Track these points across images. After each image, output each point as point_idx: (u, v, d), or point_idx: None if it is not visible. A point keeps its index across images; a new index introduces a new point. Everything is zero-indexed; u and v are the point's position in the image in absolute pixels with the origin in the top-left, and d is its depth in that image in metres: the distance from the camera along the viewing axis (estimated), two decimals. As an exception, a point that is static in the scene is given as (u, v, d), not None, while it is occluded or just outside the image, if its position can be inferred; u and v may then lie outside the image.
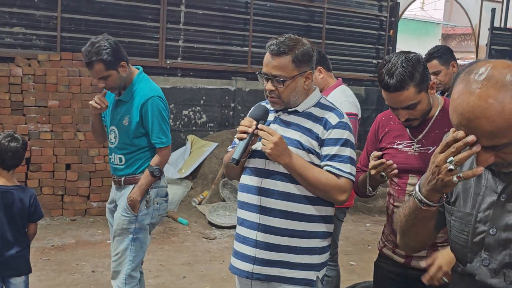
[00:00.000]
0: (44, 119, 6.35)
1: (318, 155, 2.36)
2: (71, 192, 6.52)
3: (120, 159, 3.42)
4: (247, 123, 2.30)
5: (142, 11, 7.65)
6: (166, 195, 3.53)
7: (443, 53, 3.87)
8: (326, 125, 2.36)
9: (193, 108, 8.18)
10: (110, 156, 3.50)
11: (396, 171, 2.31)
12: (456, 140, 1.42)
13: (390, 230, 2.53)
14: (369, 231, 7.04)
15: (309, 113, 2.40)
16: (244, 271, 2.42)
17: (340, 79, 3.88)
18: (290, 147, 2.31)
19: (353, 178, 2.39)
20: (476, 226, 1.56)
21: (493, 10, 11.85)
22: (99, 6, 7.32)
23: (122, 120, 3.37)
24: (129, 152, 3.40)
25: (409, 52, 2.34)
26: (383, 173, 2.31)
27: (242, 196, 2.46)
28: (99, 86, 3.32)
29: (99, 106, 3.33)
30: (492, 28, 11.78)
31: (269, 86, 2.34)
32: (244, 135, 2.28)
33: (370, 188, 2.48)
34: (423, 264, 2.36)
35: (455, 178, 1.44)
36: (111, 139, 3.47)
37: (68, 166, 6.50)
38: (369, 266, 3.91)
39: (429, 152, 2.35)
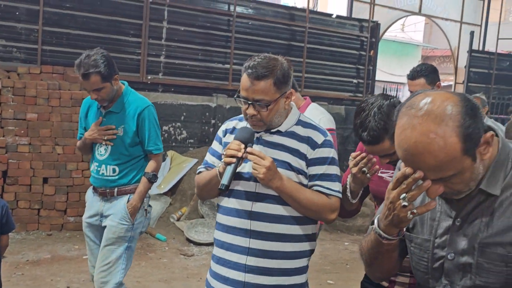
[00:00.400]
0: (22, 132, 6.29)
1: (305, 175, 2.34)
2: (47, 206, 6.43)
3: (114, 170, 3.45)
4: (236, 146, 2.22)
5: (124, 26, 7.66)
6: (150, 205, 3.63)
7: (430, 72, 3.87)
8: (312, 144, 2.34)
9: (174, 124, 8.17)
10: (98, 169, 3.49)
11: (377, 166, 2.28)
12: (406, 177, 1.43)
13: None
14: (348, 250, 7.05)
15: (292, 132, 2.36)
16: None
17: (308, 97, 3.91)
18: (279, 169, 2.26)
19: (340, 195, 2.38)
20: (435, 252, 1.58)
21: (472, 33, 12.10)
22: (81, 20, 7.32)
23: (113, 138, 3.44)
24: (123, 162, 3.45)
25: (384, 98, 2.24)
26: (365, 169, 2.27)
27: (229, 220, 2.36)
28: (92, 97, 3.38)
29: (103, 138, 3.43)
30: (471, 50, 12.02)
31: (250, 111, 2.26)
32: (233, 160, 2.21)
33: (350, 195, 2.42)
34: None
35: (409, 214, 1.45)
36: (100, 152, 3.48)
37: (45, 180, 6.43)
38: (347, 285, 3.93)
39: None
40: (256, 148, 2.32)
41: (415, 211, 1.45)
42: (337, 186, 2.36)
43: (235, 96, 2.33)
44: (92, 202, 3.56)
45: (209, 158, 2.52)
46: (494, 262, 1.46)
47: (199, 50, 8.30)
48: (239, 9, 8.58)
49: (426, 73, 3.85)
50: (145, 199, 3.49)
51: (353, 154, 2.34)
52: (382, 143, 2.19)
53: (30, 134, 6.33)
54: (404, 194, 1.44)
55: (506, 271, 1.45)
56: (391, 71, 18.61)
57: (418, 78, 3.82)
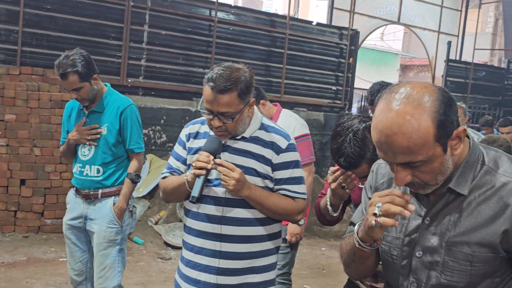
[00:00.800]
0: (0, 133, 6.24)
1: (271, 179, 2.40)
2: (24, 208, 6.39)
3: (98, 170, 3.44)
4: (205, 158, 2.25)
5: (106, 29, 7.64)
6: (134, 206, 3.63)
7: None
8: (276, 149, 2.39)
9: (153, 128, 8.17)
10: (82, 169, 3.48)
11: (355, 182, 2.30)
12: (396, 194, 1.48)
13: None
14: (325, 255, 7.11)
15: (256, 137, 2.40)
16: None
17: (278, 103, 3.97)
18: (247, 176, 2.31)
19: (305, 197, 2.46)
20: (404, 250, 1.63)
21: (449, 43, 12.30)
22: (62, 22, 7.29)
23: (97, 138, 3.43)
24: (107, 162, 3.44)
25: (360, 121, 2.23)
26: (344, 184, 2.29)
27: (199, 225, 2.42)
28: (72, 97, 3.40)
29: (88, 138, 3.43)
30: (448, 60, 12.22)
31: (216, 123, 2.28)
32: (203, 172, 2.24)
33: (330, 208, 2.45)
34: None
35: (373, 222, 1.48)
36: (84, 152, 3.47)
37: (22, 182, 6.38)
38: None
39: None
40: (223, 155, 2.36)
41: (379, 220, 1.47)
42: (302, 188, 2.44)
43: (199, 108, 2.34)
44: (75, 204, 3.54)
45: (173, 162, 2.55)
46: (459, 261, 1.51)
47: (180, 54, 8.32)
48: (220, 14, 8.62)
49: None
50: (130, 200, 3.49)
51: (332, 169, 2.36)
52: (360, 167, 2.21)
53: (8, 135, 6.29)
54: (380, 203, 1.48)
55: (470, 270, 1.50)
56: (370, 79, 18.75)
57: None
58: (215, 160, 2.27)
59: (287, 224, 3.68)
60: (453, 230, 1.53)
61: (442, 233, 1.54)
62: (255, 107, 2.46)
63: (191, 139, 2.50)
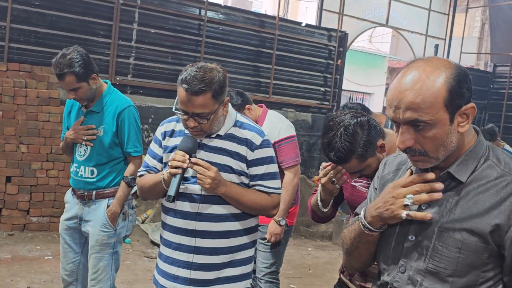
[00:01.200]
0: (-14, 129, 6.20)
1: (246, 175, 2.46)
2: (10, 206, 6.34)
3: (92, 172, 3.39)
4: (180, 158, 2.29)
5: (94, 26, 7.61)
6: (134, 206, 3.58)
7: None
8: (250, 146, 2.44)
9: (141, 126, 8.12)
10: (77, 170, 3.43)
11: (345, 177, 2.32)
12: (423, 181, 1.55)
13: None
14: (311, 255, 7.14)
15: (231, 134, 2.45)
16: None
17: (263, 105, 3.98)
18: (222, 173, 2.36)
19: (280, 191, 2.54)
20: (399, 233, 1.66)
21: (436, 46, 12.39)
22: (50, 19, 7.25)
23: (94, 139, 3.37)
24: (102, 164, 3.38)
25: (352, 116, 2.23)
26: (334, 179, 2.31)
27: (176, 222, 2.46)
28: (69, 97, 3.33)
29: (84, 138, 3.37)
30: (435, 63, 12.27)
31: (191, 123, 2.31)
32: (178, 171, 2.28)
33: (320, 203, 2.47)
34: None
35: (403, 214, 1.55)
36: (80, 152, 3.43)
37: (8, 179, 6.34)
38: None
39: None
40: (199, 153, 2.40)
41: (410, 213, 1.55)
42: (277, 183, 2.51)
43: (174, 108, 2.36)
44: (71, 205, 3.50)
45: (149, 161, 2.58)
46: (449, 247, 1.54)
47: (169, 53, 8.31)
48: (210, 14, 8.63)
49: None
50: (126, 202, 3.43)
51: (323, 164, 2.39)
52: (349, 162, 2.23)
53: (-6, 132, 6.25)
54: (411, 195, 1.55)
55: (458, 257, 1.53)
56: (358, 81, 18.86)
57: None
58: (190, 159, 2.31)
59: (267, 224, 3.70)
60: (447, 217, 1.56)
61: (437, 219, 1.57)
62: (230, 105, 2.50)
63: (167, 138, 2.53)
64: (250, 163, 2.44)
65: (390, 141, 2.35)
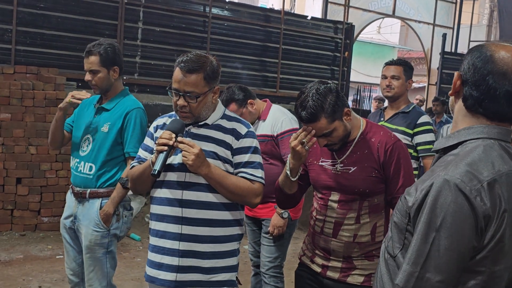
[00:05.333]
0: (-5, 132, 6.27)
1: (231, 164, 2.52)
2: (21, 207, 6.41)
3: (91, 168, 3.38)
4: (167, 135, 2.37)
5: (100, 26, 7.66)
6: (131, 208, 3.57)
7: (409, 68, 4.01)
8: (236, 135, 2.53)
9: (149, 124, 8.16)
10: (78, 165, 3.43)
11: (314, 139, 2.39)
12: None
13: (310, 240, 2.65)
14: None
15: (218, 125, 2.55)
16: (168, 280, 2.50)
17: (267, 99, 3.99)
18: (208, 159, 2.43)
19: (263, 182, 2.56)
20: None
21: (444, 36, 12.31)
22: (56, 20, 7.30)
23: (100, 127, 3.38)
24: (102, 161, 3.38)
25: (321, 83, 2.42)
26: (304, 140, 2.38)
27: (162, 209, 2.52)
28: (86, 78, 3.39)
29: (79, 99, 3.35)
30: (443, 52, 12.22)
31: (181, 102, 2.44)
32: (165, 148, 2.35)
33: (289, 172, 2.50)
34: (336, 275, 2.51)
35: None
36: (82, 147, 3.43)
37: (19, 180, 6.40)
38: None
39: (350, 172, 2.47)
40: (186, 140, 2.46)
41: None
42: (260, 172, 2.55)
43: (167, 88, 2.52)
44: (70, 203, 3.52)
45: (141, 153, 2.67)
46: None
47: (175, 51, 8.33)
48: (214, 10, 8.64)
49: (407, 67, 3.99)
50: (121, 204, 3.41)
51: (294, 135, 2.47)
52: (319, 121, 2.35)
53: (3, 134, 6.30)
54: None
55: None
56: (367, 72, 18.81)
57: (397, 65, 3.95)
58: (176, 138, 2.39)
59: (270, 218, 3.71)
60: None
61: None
62: (219, 100, 2.59)
63: (159, 130, 2.64)
64: (235, 151, 2.51)
65: None
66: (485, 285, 1.46)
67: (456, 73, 1.55)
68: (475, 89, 1.51)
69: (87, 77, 3.37)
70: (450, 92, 1.59)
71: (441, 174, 1.45)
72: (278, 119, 3.70)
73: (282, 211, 3.63)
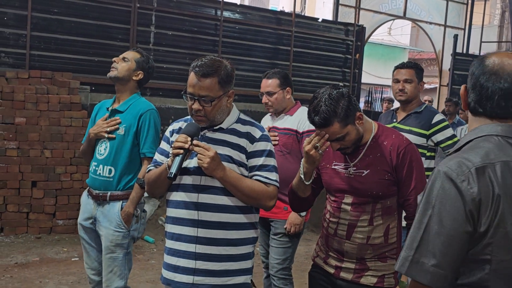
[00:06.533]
0: (10, 136, 6.33)
1: (246, 167, 2.54)
2: (36, 210, 6.48)
3: (110, 171, 3.43)
4: (183, 139, 2.40)
5: (112, 30, 7.73)
6: (145, 210, 3.63)
7: (420, 70, 4.05)
8: (250, 139, 2.54)
9: (162, 127, 8.21)
10: (96, 168, 3.48)
11: (328, 143, 2.42)
12: None
13: (324, 242, 2.68)
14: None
15: (233, 129, 2.57)
16: (184, 283, 2.52)
17: (299, 101, 4.03)
18: (223, 162, 2.45)
19: (278, 185, 2.57)
20: None
21: (455, 37, 12.27)
22: (69, 25, 7.38)
23: (116, 130, 3.43)
24: (120, 164, 3.43)
25: (334, 88, 2.44)
26: (318, 144, 2.41)
27: (178, 212, 2.54)
28: (115, 59, 3.58)
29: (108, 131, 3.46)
30: (455, 53, 12.18)
31: (196, 106, 2.47)
32: (180, 151, 2.38)
33: (303, 176, 2.54)
34: (350, 276, 2.54)
35: None
36: (100, 151, 3.48)
37: (34, 184, 6.48)
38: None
39: (363, 175, 2.50)
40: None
41: None
42: (274, 176, 2.56)
43: (182, 92, 2.55)
44: (86, 205, 3.56)
45: (158, 157, 2.70)
46: None
47: (187, 54, 8.38)
48: (226, 13, 8.68)
49: (417, 69, 4.02)
50: (138, 205, 3.46)
51: (307, 139, 2.50)
52: (332, 125, 2.38)
53: (19, 138, 6.38)
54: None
55: None
56: (378, 74, 18.77)
57: (408, 68, 3.98)
58: (192, 141, 2.41)
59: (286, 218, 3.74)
60: None
61: None
62: (233, 104, 2.62)
63: (175, 134, 2.66)
64: (249, 155, 2.53)
65: None
66: (496, 275, 1.49)
67: (462, 86, 1.64)
68: (473, 92, 1.60)
69: (116, 59, 3.57)
70: (462, 105, 1.66)
71: (437, 167, 1.54)
72: (301, 118, 3.76)
73: None
